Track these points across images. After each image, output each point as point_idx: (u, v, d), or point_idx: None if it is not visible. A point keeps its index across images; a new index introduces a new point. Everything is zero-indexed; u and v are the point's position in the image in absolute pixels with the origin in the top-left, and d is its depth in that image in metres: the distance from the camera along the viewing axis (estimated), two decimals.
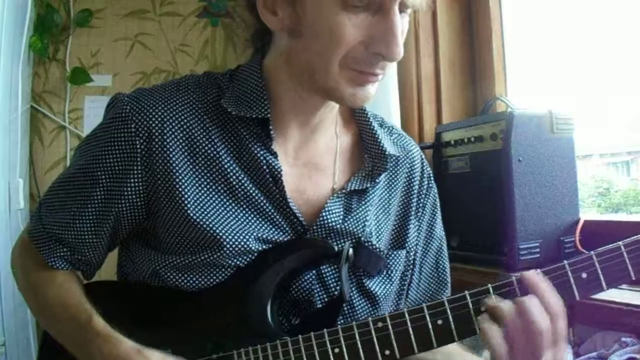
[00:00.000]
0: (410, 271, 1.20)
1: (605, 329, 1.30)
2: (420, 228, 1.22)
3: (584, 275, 0.88)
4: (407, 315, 0.92)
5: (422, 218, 1.23)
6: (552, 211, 1.55)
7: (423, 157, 1.26)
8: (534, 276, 0.89)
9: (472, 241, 1.72)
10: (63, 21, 2.64)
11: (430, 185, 1.26)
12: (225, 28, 2.83)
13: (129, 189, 1.03)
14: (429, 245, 1.24)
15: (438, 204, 1.27)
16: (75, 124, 2.67)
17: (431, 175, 1.26)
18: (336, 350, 0.93)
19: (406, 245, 1.19)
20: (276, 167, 1.04)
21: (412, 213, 1.21)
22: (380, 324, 0.93)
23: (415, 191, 1.22)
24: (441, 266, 1.25)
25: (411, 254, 1.20)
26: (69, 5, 2.66)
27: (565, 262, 0.89)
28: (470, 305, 0.91)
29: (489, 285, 0.91)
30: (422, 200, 1.23)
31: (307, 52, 0.98)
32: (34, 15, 2.52)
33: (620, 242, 0.87)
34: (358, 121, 1.19)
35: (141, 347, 0.95)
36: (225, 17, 2.80)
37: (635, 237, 0.87)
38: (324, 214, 1.07)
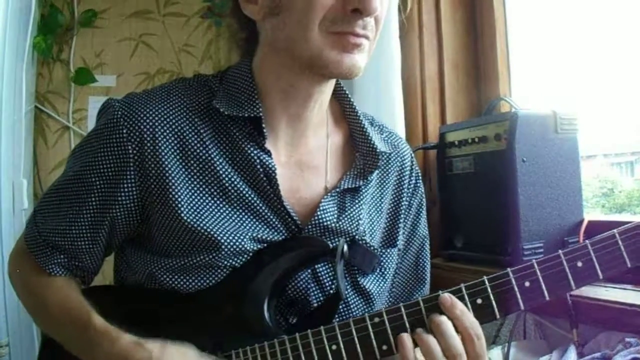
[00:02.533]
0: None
1: (609, 329, 1.30)
2: (405, 226, 1.24)
3: (579, 264, 0.88)
4: (403, 309, 0.93)
5: (407, 216, 1.24)
6: (556, 211, 1.54)
7: (412, 155, 1.28)
8: (448, 299, 0.91)
9: (476, 241, 1.72)
10: (67, 22, 2.65)
11: (418, 184, 1.27)
12: (229, 28, 2.82)
13: (122, 194, 1.03)
14: (410, 243, 1.25)
15: (424, 204, 1.29)
16: (80, 124, 2.67)
17: (419, 174, 1.28)
18: (334, 347, 0.93)
19: (397, 243, 1.20)
20: (270, 165, 1.04)
21: (402, 211, 1.22)
22: (376, 319, 0.93)
23: (405, 189, 1.23)
24: (421, 264, 1.26)
25: (401, 251, 1.21)
26: (72, 5, 2.66)
27: (560, 251, 0.89)
28: (467, 298, 0.92)
29: (485, 277, 0.92)
30: (409, 199, 1.24)
31: (288, 26, 0.99)
32: (37, 16, 2.52)
33: (615, 230, 0.88)
34: (348, 120, 1.20)
35: (140, 340, 0.95)
36: (229, 18, 2.80)
37: (630, 224, 0.88)
38: (318, 213, 1.07)
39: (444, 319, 0.90)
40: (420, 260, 1.27)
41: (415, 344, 0.91)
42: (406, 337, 0.91)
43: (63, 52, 2.66)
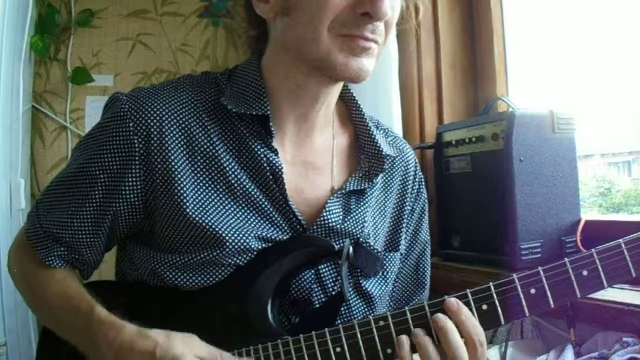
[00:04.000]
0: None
1: (607, 328, 1.30)
2: (408, 231, 1.24)
3: (585, 272, 0.88)
4: (408, 313, 0.92)
5: (410, 221, 1.25)
6: (553, 211, 1.54)
7: (416, 160, 1.28)
8: (454, 304, 0.90)
9: (474, 241, 1.72)
10: (64, 21, 2.65)
11: (421, 189, 1.28)
12: (227, 28, 2.83)
13: (127, 188, 1.03)
14: (412, 248, 1.26)
15: (426, 209, 1.29)
16: (77, 124, 2.67)
17: (422, 179, 1.29)
18: (338, 349, 0.93)
19: (399, 247, 1.20)
20: (277, 164, 1.04)
21: (405, 216, 1.22)
22: (381, 323, 0.93)
23: (409, 194, 1.23)
24: (421, 269, 1.27)
25: (402, 256, 1.21)
26: (70, 5, 2.66)
27: (566, 259, 0.89)
28: (473, 304, 0.91)
29: (490, 283, 0.91)
30: (412, 204, 1.24)
31: (298, 26, 0.99)
32: (35, 15, 2.52)
33: (620, 240, 0.88)
34: (354, 122, 1.20)
35: (144, 330, 0.95)
36: (226, 17, 2.80)
37: (636, 234, 0.87)
38: (324, 213, 1.07)
39: (449, 322, 0.89)
40: (421, 265, 1.27)
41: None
42: (404, 338, 0.91)
43: (60, 51, 2.66)
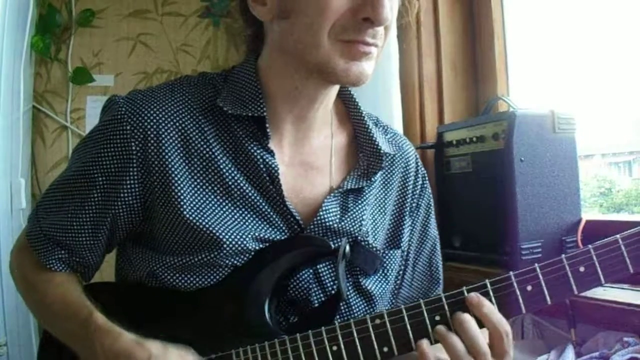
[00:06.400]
0: (402, 270, 1.21)
1: (608, 328, 1.30)
2: (414, 228, 1.23)
3: (582, 269, 0.88)
4: (404, 311, 0.92)
5: (416, 218, 1.24)
6: (554, 211, 1.54)
7: (417, 156, 1.27)
8: (475, 298, 0.90)
9: (474, 241, 1.72)
10: (65, 21, 2.65)
11: (425, 185, 1.26)
12: (227, 28, 2.83)
13: (125, 190, 1.03)
14: (423, 245, 1.25)
15: (432, 204, 1.28)
16: (77, 124, 2.67)
17: (425, 175, 1.27)
18: (334, 348, 0.93)
19: (401, 245, 1.19)
20: (273, 165, 1.04)
21: (407, 213, 1.21)
22: (378, 321, 0.93)
23: (410, 190, 1.22)
24: (434, 265, 1.26)
25: (405, 253, 1.21)
26: (70, 5, 2.66)
27: (563, 256, 0.89)
28: None
29: (487, 280, 0.91)
30: (416, 200, 1.24)
31: (297, 30, 0.98)
32: (35, 16, 2.52)
33: (618, 236, 0.88)
34: (353, 120, 1.19)
35: (141, 339, 0.95)
36: (227, 17, 2.80)
37: (633, 230, 0.87)
38: (321, 213, 1.07)
39: (467, 317, 0.89)
40: (434, 260, 1.27)
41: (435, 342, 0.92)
42: (425, 344, 0.91)
43: (61, 51, 2.66)
